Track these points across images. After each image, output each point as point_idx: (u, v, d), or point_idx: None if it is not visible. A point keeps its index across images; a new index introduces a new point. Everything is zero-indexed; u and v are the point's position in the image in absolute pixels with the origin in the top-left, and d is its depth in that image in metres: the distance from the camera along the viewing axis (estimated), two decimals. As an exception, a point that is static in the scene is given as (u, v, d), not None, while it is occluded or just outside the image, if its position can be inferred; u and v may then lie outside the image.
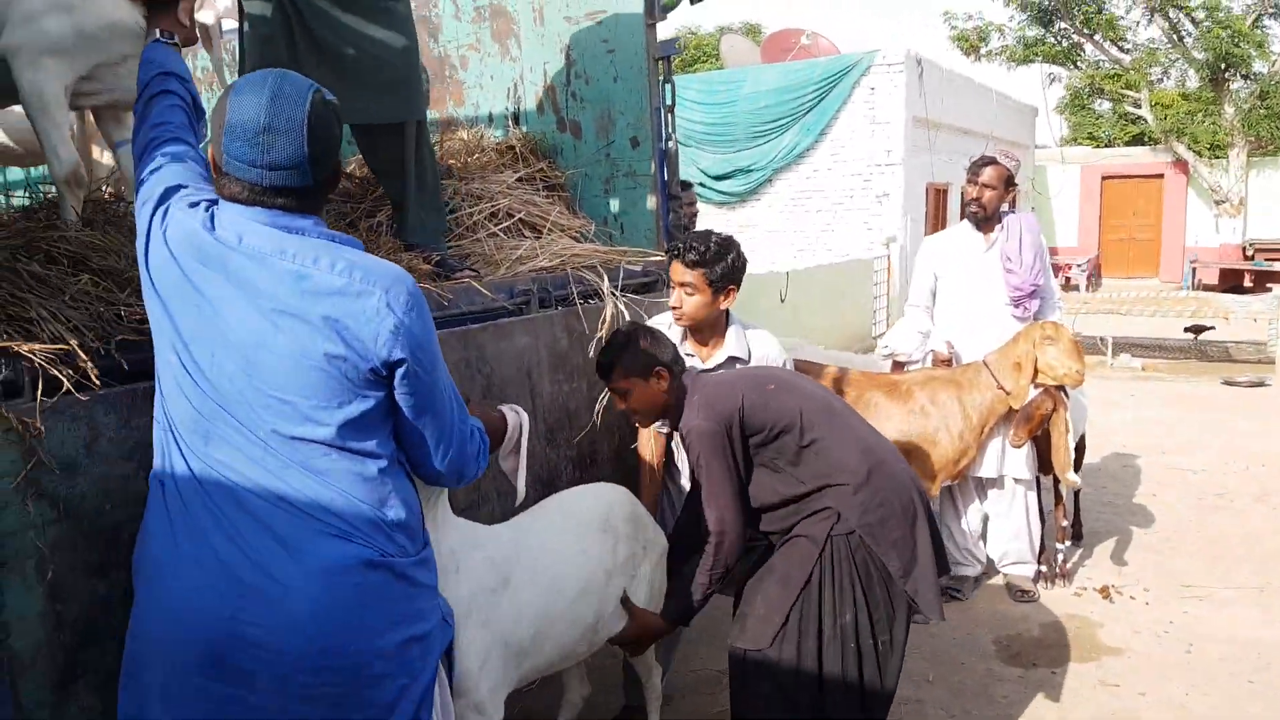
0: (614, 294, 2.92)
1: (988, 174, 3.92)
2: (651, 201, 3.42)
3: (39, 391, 1.58)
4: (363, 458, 1.58)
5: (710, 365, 2.81)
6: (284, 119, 1.54)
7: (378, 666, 1.56)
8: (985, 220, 3.98)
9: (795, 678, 2.31)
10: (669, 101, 3.32)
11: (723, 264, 2.71)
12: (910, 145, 12.68)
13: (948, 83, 13.82)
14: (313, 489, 1.54)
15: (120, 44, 2.28)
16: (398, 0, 2.81)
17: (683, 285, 2.74)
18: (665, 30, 3.45)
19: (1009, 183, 3.97)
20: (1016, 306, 3.94)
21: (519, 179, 3.42)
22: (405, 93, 2.79)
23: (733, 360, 2.82)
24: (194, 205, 1.62)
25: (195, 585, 1.50)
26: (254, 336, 1.53)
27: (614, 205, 3.51)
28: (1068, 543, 4.35)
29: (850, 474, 2.36)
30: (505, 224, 3.25)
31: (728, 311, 2.84)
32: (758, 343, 2.87)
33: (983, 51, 19.13)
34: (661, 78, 3.30)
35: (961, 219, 4.13)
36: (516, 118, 3.63)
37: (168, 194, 1.65)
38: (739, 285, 2.80)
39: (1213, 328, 10.17)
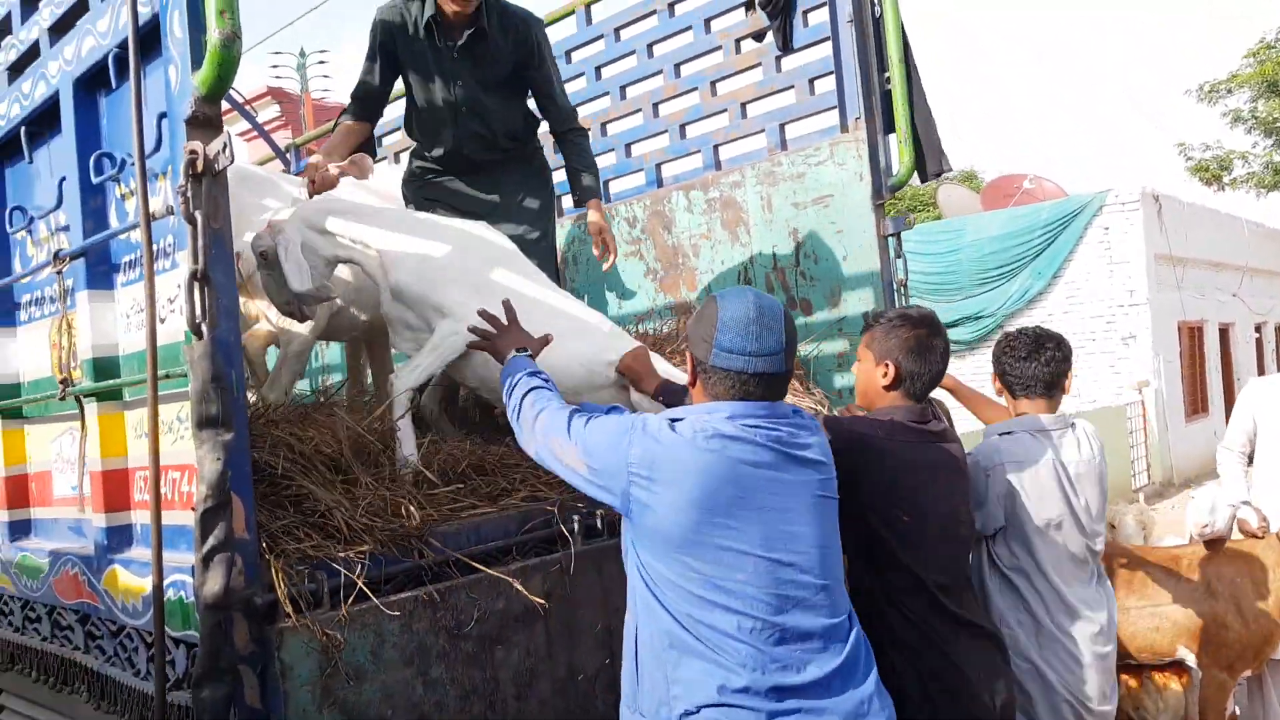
0: None
1: None
2: (887, 374, 3.35)
3: (347, 600, 1.69)
4: None
5: None
6: (770, 312, 1.79)
7: None
8: None
9: None
10: (900, 276, 3.30)
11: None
12: (1155, 283, 11.87)
13: (1192, 216, 12.95)
14: None
15: None
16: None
17: None
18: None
19: None
20: None
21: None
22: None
23: None
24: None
25: None
26: None
27: (849, 380, 3.47)
28: None
29: None
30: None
31: None
32: None
33: (1225, 181, 17.86)
34: (893, 253, 3.30)
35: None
36: (748, 300, 3.71)
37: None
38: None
39: None
